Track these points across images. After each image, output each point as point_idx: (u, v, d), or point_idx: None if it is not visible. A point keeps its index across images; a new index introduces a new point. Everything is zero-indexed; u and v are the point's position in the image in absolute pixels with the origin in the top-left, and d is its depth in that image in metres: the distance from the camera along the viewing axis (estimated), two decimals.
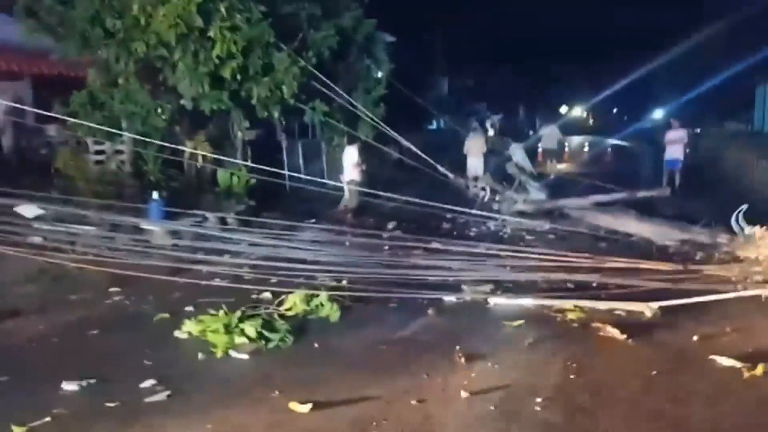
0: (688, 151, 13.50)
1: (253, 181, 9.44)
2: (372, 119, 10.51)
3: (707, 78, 22.04)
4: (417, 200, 7.82)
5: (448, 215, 9.41)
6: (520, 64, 34.03)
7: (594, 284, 6.22)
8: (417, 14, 23.08)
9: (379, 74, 11.95)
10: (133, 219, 8.33)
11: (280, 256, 6.56)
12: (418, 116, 24.94)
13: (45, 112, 7.37)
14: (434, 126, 27.63)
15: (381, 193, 8.69)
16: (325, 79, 9.47)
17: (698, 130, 19.54)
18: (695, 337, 4.99)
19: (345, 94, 10.12)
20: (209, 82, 8.18)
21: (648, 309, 5.55)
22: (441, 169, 10.03)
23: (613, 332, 5.09)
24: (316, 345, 4.83)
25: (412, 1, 21.15)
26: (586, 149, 20.46)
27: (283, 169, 10.49)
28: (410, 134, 12.16)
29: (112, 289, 6.28)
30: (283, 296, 5.56)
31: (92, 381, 4.19)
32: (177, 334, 5.00)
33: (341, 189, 10.53)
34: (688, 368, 4.48)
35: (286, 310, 5.37)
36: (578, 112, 34.47)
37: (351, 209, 10.33)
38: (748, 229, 7.32)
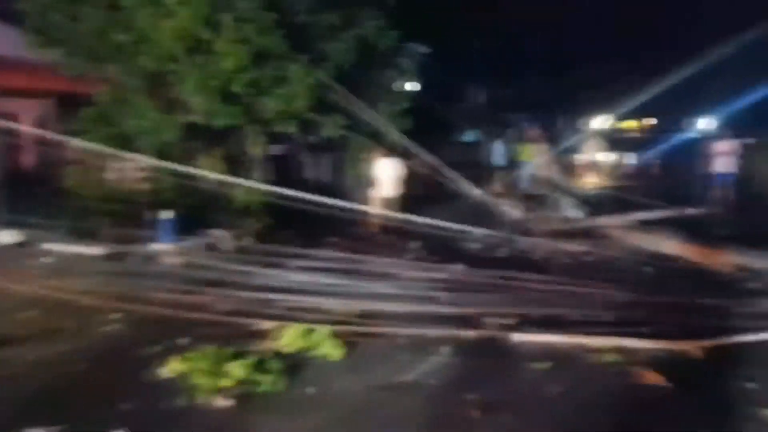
0: (740, 163, 12.47)
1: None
2: (398, 132, 10.01)
3: (760, 84, 20.71)
4: (437, 221, 7.22)
5: (479, 234, 8.77)
6: (560, 72, 32.99)
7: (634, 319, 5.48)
8: (454, 23, 22.58)
9: (408, 86, 11.47)
10: (141, 239, 8.06)
11: (283, 285, 6.09)
12: (450, 128, 24.35)
13: (40, 131, 7.13)
14: (471, 138, 26.96)
15: (401, 215, 8.15)
16: (344, 90, 9.02)
17: (753, 141, 18.25)
18: (750, 384, 4.25)
19: (367, 107, 9.64)
20: (220, 96, 7.83)
21: (695, 348, 4.83)
22: (464, 184, 9.41)
23: (656, 378, 4.41)
24: (310, 390, 4.30)
25: (449, 10, 20.66)
26: (626, 162, 19.40)
27: (304, 185, 10.09)
28: (441, 147, 11.62)
29: (112, 316, 5.91)
30: (280, 330, 5.06)
31: (57, 428, 3.76)
32: (161, 372, 4.54)
33: (362, 205, 10.06)
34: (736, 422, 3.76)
35: (283, 346, 4.86)
36: (613, 120, 33.07)
37: (381, 225, 9.80)
38: None
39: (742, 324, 5.27)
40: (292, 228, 8.77)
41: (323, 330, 4.94)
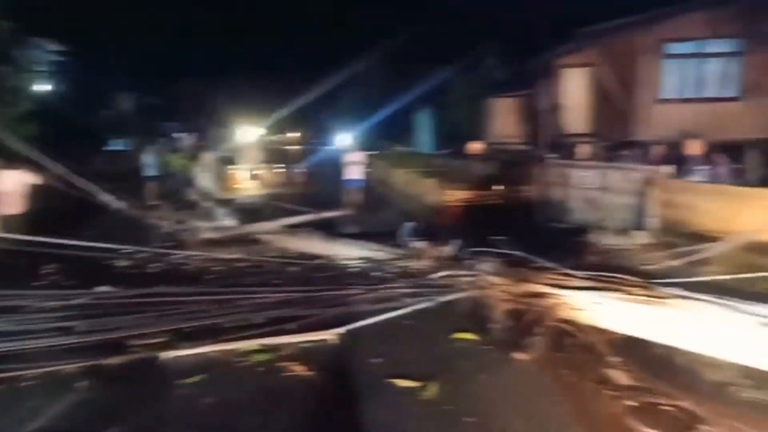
0: (365, 171, 14.68)
1: None
2: (19, 138, 8.49)
3: (383, 105, 25.03)
4: (74, 240, 6.39)
5: (127, 250, 8.10)
6: (214, 80, 33.13)
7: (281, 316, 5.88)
8: (97, 25, 20.39)
9: (37, 87, 9.84)
10: None
11: None
12: (97, 136, 22.04)
13: None
14: (121, 146, 24.82)
15: (29, 236, 6.93)
16: None
17: (375, 152, 21.80)
18: (374, 360, 5.03)
19: None
20: None
21: (332, 336, 5.47)
22: (107, 197, 8.61)
23: (301, 369, 4.83)
24: None
25: (91, 11, 18.58)
26: (282, 171, 20.84)
27: None
28: (87, 157, 10.32)
29: None
30: None
31: None
32: None
33: None
34: (369, 394, 4.43)
35: None
36: (269, 131, 35.10)
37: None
38: (415, 243, 8.02)
39: (369, 308, 6.19)
40: None
41: None
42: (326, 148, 28.05)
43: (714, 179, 8.69)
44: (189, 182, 11.13)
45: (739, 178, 9.48)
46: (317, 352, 5.22)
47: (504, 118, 19.41)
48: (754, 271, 5.42)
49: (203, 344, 5.16)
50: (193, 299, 6.24)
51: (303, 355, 5.11)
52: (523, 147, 16.39)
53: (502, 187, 12.44)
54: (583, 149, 12.41)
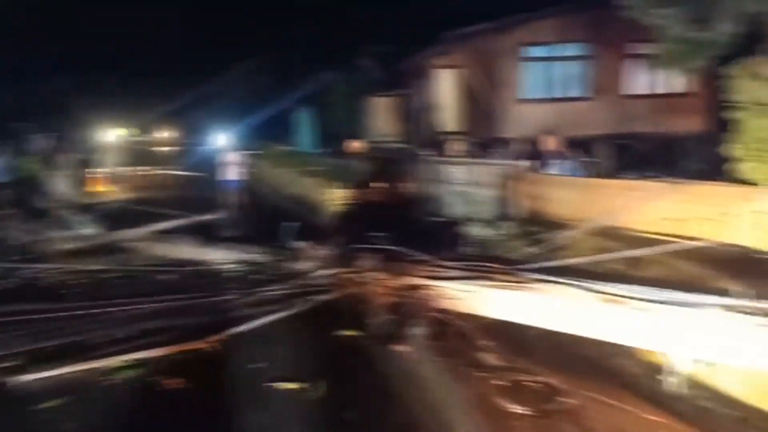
0: (244, 172, 14.25)
1: None
2: None
3: (262, 105, 24.51)
4: None
5: None
6: (77, 78, 30.28)
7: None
8: None
9: None
10: None
11: None
12: None
13: None
14: None
15: None
16: None
17: (256, 152, 21.27)
18: (255, 365, 4.92)
19: None
20: None
21: (209, 344, 5.27)
22: None
23: (175, 382, 4.60)
24: None
25: None
26: (151, 173, 19.58)
27: None
28: None
29: None
30: None
31: None
32: None
33: None
34: (249, 401, 4.33)
35: None
36: (136, 132, 32.95)
37: None
38: (297, 244, 7.95)
39: (249, 313, 6.03)
40: None
41: None
42: (202, 148, 26.90)
43: (567, 172, 9.53)
44: (43, 188, 10.09)
45: (590, 170, 10.46)
46: (193, 363, 4.99)
47: (383, 117, 19.81)
48: (601, 253, 6.02)
49: (63, 365, 4.73)
50: (52, 316, 5.72)
51: (177, 367, 4.86)
52: (401, 145, 16.86)
53: (382, 185, 12.69)
54: (456, 146, 13.02)
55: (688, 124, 12.47)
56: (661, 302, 4.33)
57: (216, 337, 5.33)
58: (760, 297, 4.10)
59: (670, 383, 4.25)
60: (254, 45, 28.27)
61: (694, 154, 11.06)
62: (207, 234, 9.14)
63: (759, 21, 6.01)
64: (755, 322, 3.87)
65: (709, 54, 6.60)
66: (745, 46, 6.32)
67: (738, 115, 5.89)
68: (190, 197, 14.89)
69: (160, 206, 11.14)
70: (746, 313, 3.96)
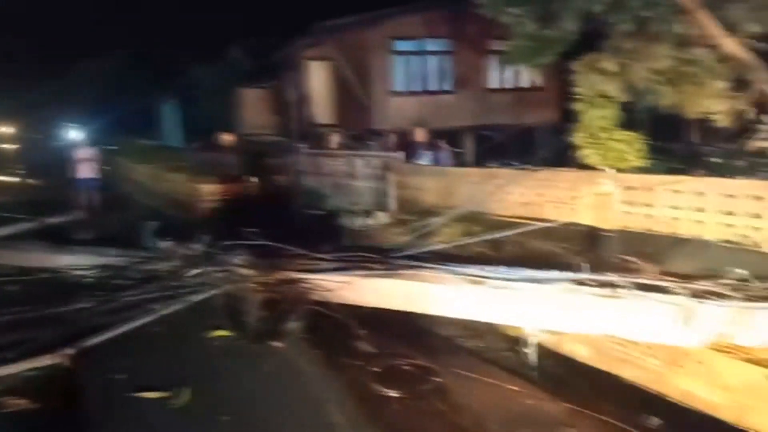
0: (100, 168, 13.14)
1: None
2: None
3: (122, 99, 22.77)
4: None
5: None
6: None
7: None
8: None
9: None
10: None
11: None
12: None
13: None
14: None
15: None
16: None
17: (115, 147, 19.73)
18: (117, 376, 4.58)
19: None
20: None
21: (63, 358, 4.80)
22: None
23: (21, 402, 4.14)
24: None
25: None
26: None
27: None
28: None
29: None
30: None
31: None
32: None
33: None
34: (111, 414, 4.02)
35: None
36: None
37: None
38: (162, 244, 7.48)
39: (108, 321, 5.56)
40: None
41: None
42: (52, 144, 24.40)
43: (437, 162, 9.92)
44: None
45: (457, 160, 10.98)
46: (45, 379, 4.52)
47: (254, 109, 19.23)
48: (466, 237, 6.35)
49: None
50: None
51: (26, 385, 4.39)
52: (274, 138, 16.51)
53: (255, 179, 12.34)
54: (332, 138, 13.03)
55: (542, 115, 13.55)
56: (517, 280, 4.66)
57: (70, 350, 4.86)
58: (596, 270, 4.56)
59: (527, 354, 4.61)
60: (116, 36, 26.34)
61: (546, 143, 12.02)
62: (58, 238, 8.31)
63: (601, 20, 6.62)
64: (593, 292, 4.30)
65: (556, 50, 7.16)
66: (588, 43, 6.95)
67: (579, 106, 6.48)
68: (39, 198, 13.45)
69: (1, 209, 9.93)
70: (586, 284, 4.38)
